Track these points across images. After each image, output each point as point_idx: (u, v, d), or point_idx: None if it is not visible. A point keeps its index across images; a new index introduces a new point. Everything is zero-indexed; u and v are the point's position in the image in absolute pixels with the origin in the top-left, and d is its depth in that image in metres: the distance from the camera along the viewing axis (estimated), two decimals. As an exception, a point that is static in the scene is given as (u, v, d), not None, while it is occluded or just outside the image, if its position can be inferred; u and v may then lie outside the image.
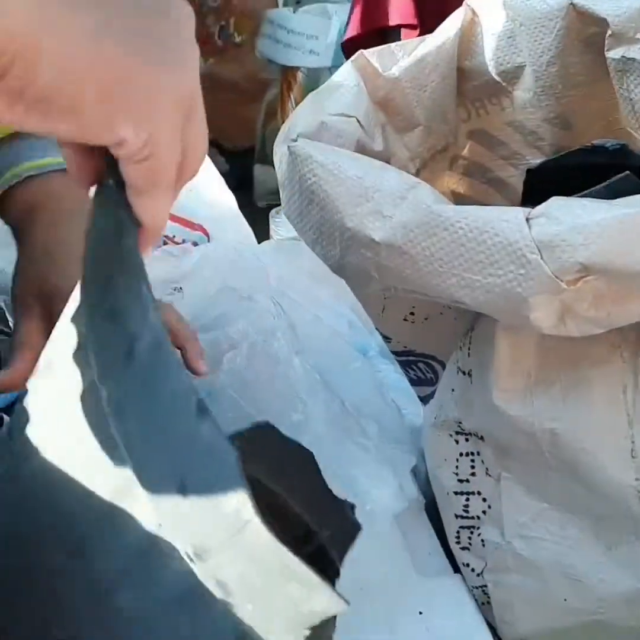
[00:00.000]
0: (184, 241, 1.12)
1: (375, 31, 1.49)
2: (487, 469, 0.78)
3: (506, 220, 0.60)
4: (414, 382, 0.96)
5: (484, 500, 0.78)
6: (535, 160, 0.95)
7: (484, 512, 0.79)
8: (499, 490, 0.77)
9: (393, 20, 1.46)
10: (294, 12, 1.82)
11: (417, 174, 0.93)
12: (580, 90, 0.88)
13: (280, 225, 1.38)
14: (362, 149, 0.81)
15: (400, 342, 0.87)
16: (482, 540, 0.78)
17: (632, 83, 0.82)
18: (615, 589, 0.72)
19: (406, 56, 0.88)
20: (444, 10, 1.42)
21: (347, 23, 1.54)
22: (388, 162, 0.88)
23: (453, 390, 0.77)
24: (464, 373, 0.75)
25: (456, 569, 0.82)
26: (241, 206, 1.44)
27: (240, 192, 1.91)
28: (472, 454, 0.79)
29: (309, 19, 1.79)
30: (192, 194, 1.14)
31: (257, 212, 1.67)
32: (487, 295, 0.62)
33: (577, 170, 0.85)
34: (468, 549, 0.79)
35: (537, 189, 0.90)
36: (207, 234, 1.14)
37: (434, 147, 0.92)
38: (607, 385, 0.68)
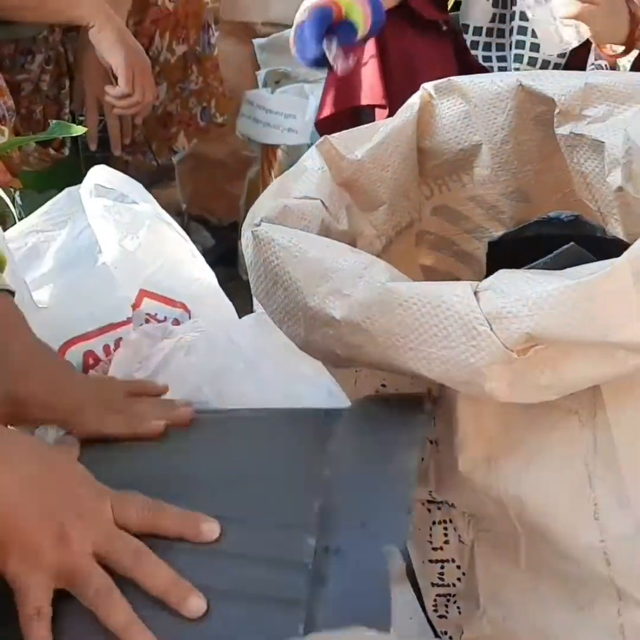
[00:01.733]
0: (165, 319, 1.14)
1: (349, 110, 1.53)
2: (459, 536, 0.79)
3: (456, 294, 0.62)
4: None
5: (458, 567, 0.80)
6: (498, 232, 0.98)
7: (459, 579, 0.80)
8: (472, 557, 0.79)
9: (364, 100, 1.50)
10: (273, 92, 1.88)
11: (383, 250, 0.96)
12: (535, 165, 0.92)
13: (264, 298, 1.41)
14: (326, 229, 0.84)
15: (373, 414, 0.89)
16: (459, 608, 0.79)
17: (582, 157, 0.86)
18: (589, 650, 0.73)
19: (368, 139, 0.92)
20: (413, 90, 1.48)
21: (321, 102, 1.59)
22: (354, 241, 0.92)
23: (422, 459, 0.79)
24: (431, 442, 0.77)
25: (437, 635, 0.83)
26: (227, 279, 1.46)
27: (225, 265, 1.95)
28: (445, 522, 0.80)
29: (286, 98, 1.84)
30: (173, 272, 1.17)
31: (242, 285, 1.71)
32: (442, 367, 0.64)
33: (535, 241, 0.88)
34: (445, 617, 0.80)
35: (499, 260, 0.93)
36: (188, 311, 1.17)
37: (399, 224, 0.96)
38: (567, 449, 0.70)
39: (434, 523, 0.81)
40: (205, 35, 1.76)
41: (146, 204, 1.23)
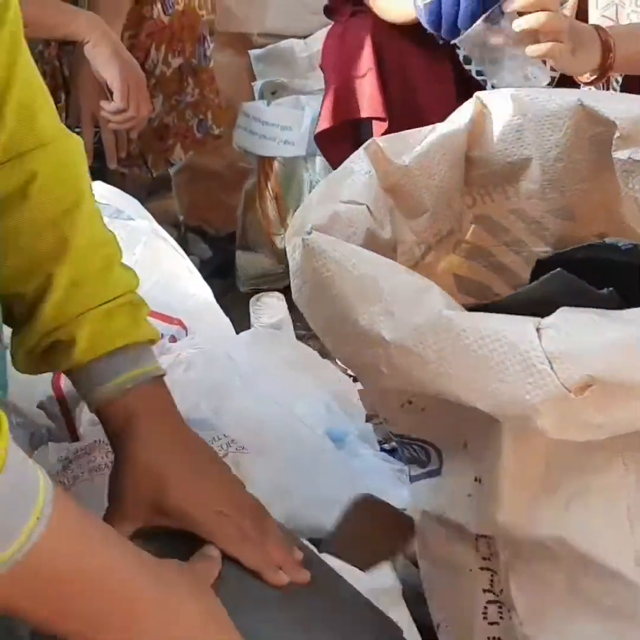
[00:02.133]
0: (162, 335, 1.12)
1: (347, 122, 1.51)
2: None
3: (516, 330, 0.61)
4: (407, 460, 0.96)
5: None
6: (537, 248, 0.97)
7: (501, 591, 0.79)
8: (507, 575, 0.77)
9: (363, 113, 1.47)
10: (269, 103, 1.87)
11: (422, 257, 0.95)
12: (586, 184, 0.90)
13: (261, 312, 1.40)
14: (371, 237, 0.82)
15: (396, 428, 0.88)
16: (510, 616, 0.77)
17: (638, 183, 0.84)
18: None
19: (417, 144, 0.90)
20: (411, 103, 1.46)
21: (319, 115, 1.55)
22: (395, 248, 0.91)
23: (469, 495, 0.77)
24: (476, 479, 0.76)
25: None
26: (224, 292, 1.45)
27: (223, 278, 1.94)
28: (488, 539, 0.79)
29: (282, 110, 1.83)
30: (169, 288, 1.16)
31: (239, 297, 1.72)
32: (495, 400, 0.63)
33: (587, 264, 0.86)
34: (497, 623, 0.78)
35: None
36: (185, 328, 1.15)
37: (439, 232, 0.94)
38: (608, 492, 0.69)
39: (478, 536, 0.79)
40: (201, 48, 1.76)
41: (142, 220, 1.23)
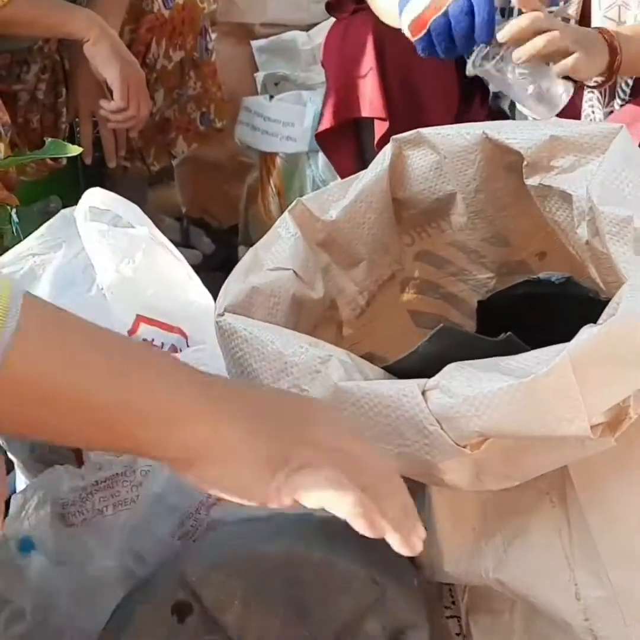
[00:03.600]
0: (162, 345, 1.11)
1: (348, 122, 1.51)
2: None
3: (404, 394, 0.62)
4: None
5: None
6: (481, 275, 0.98)
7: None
8: (468, 622, 0.79)
9: (364, 113, 1.46)
10: (271, 99, 1.85)
11: (368, 304, 0.96)
12: (511, 210, 0.91)
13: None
14: (299, 302, 0.84)
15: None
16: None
17: (553, 207, 0.84)
18: None
19: (342, 197, 0.92)
20: (414, 103, 1.45)
21: (321, 114, 1.54)
22: (333, 302, 0.92)
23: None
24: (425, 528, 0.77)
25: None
26: None
27: (227, 271, 1.92)
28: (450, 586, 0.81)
29: (284, 106, 1.81)
30: (169, 296, 1.15)
31: None
32: (402, 462, 0.65)
33: (526, 299, 0.87)
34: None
35: (490, 318, 0.92)
36: (185, 337, 1.14)
37: (380, 277, 0.96)
38: (543, 531, 0.70)
39: (442, 583, 0.81)
40: (203, 41, 1.74)
41: (141, 226, 1.22)
